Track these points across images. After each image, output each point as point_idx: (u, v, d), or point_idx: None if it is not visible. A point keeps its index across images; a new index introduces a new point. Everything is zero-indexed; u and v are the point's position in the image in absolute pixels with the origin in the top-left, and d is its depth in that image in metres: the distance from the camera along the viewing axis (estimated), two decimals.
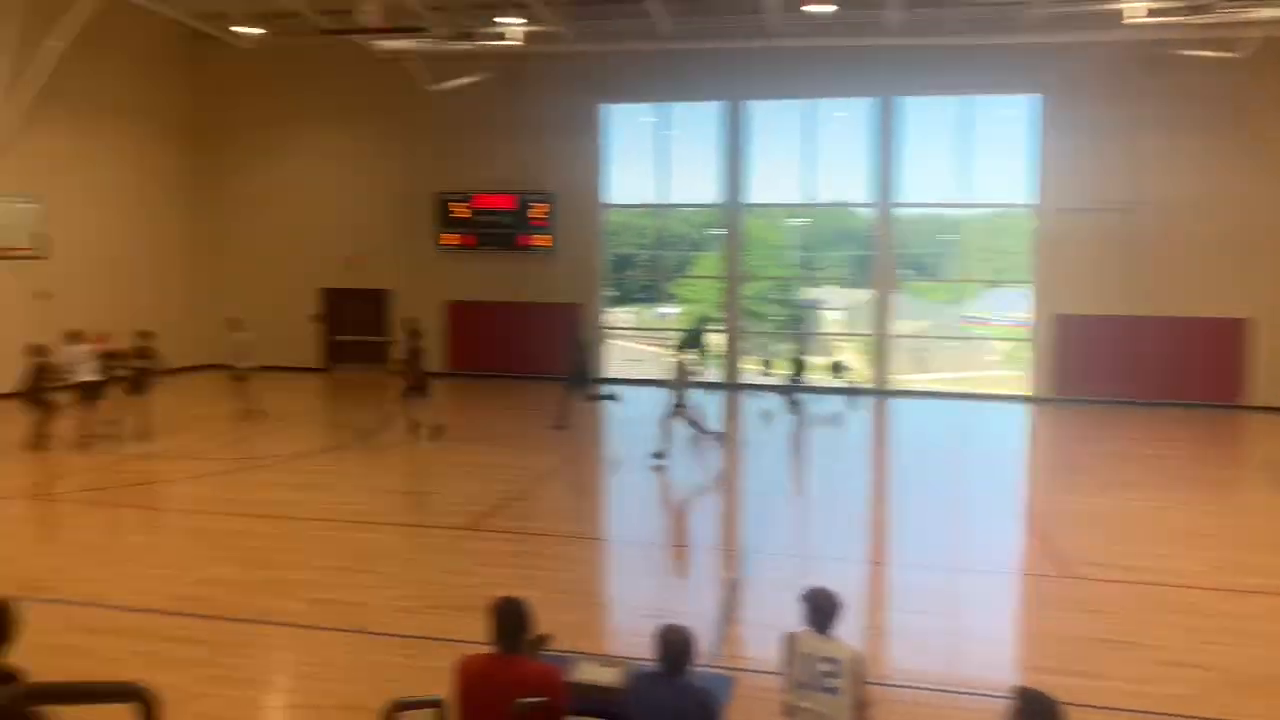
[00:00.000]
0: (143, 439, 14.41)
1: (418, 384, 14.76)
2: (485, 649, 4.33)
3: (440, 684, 4.34)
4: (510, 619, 4.29)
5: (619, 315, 23.99)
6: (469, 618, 7.17)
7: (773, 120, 21.62)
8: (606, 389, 17.61)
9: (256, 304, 23.12)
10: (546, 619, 4.69)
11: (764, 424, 17.30)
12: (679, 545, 10.15)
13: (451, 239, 22.74)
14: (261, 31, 20.39)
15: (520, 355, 22.28)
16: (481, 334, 22.65)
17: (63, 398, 14.12)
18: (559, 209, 22.17)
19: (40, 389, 13.83)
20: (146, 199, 22.22)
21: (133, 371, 14.77)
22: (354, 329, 23.39)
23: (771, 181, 21.72)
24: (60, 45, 14.70)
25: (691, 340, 21.12)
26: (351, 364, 23.29)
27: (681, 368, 13.86)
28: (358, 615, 7.41)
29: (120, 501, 11.33)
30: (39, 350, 13.97)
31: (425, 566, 8.75)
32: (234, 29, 20.15)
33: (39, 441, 13.77)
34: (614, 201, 22.65)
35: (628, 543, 10.28)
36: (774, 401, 18.54)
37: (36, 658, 4.54)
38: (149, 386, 14.87)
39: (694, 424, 14.06)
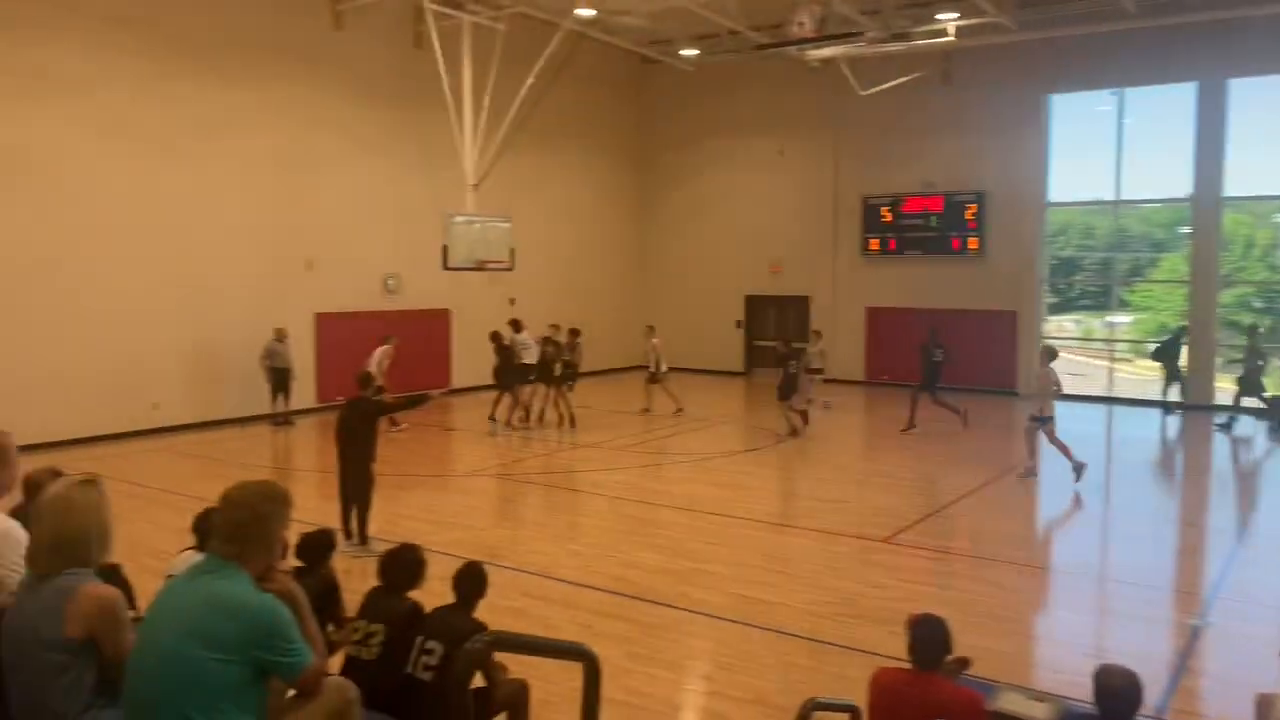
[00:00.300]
0: (573, 428, 15.96)
1: (785, 388, 15.83)
2: (900, 664, 4.11)
3: (847, 690, 4.21)
4: (930, 637, 4.04)
5: (1060, 324, 22.08)
6: (881, 630, 6.96)
7: (1262, 100, 18.53)
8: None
9: (686, 309, 24.63)
10: (965, 642, 4.36)
11: (1240, 452, 14.92)
12: (1122, 580, 9.02)
13: (875, 243, 22.44)
14: (696, 52, 21.71)
15: (945, 365, 21.37)
16: (903, 341, 22.04)
17: (520, 387, 16.38)
18: (990, 209, 20.97)
19: (506, 373, 16.35)
20: (595, 213, 24.57)
21: (563, 366, 16.41)
22: (774, 334, 23.93)
23: (1259, 171, 18.66)
24: (531, 80, 16.71)
25: (1166, 352, 18.77)
26: (770, 369, 23.87)
27: (1046, 380, 12.33)
28: (771, 614, 7.48)
29: (559, 484, 12.61)
30: (495, 336, 16.52)
31: (839, 574, 8.63)
32: (680, 52, 21.66)
33: (511, 425, 16.16)
34: (1056, 200, 20.91)
35: (1062, 571, 9.33)
36: (1255, 426, 15.93)
37: (492, 615, 5.13)
38: (573, 381, 16.46)
39: (1059, 445, 12.41)
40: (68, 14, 14.32)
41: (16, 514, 3.98)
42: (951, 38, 18.15)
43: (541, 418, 16.66)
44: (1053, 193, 20.82)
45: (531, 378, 16.70)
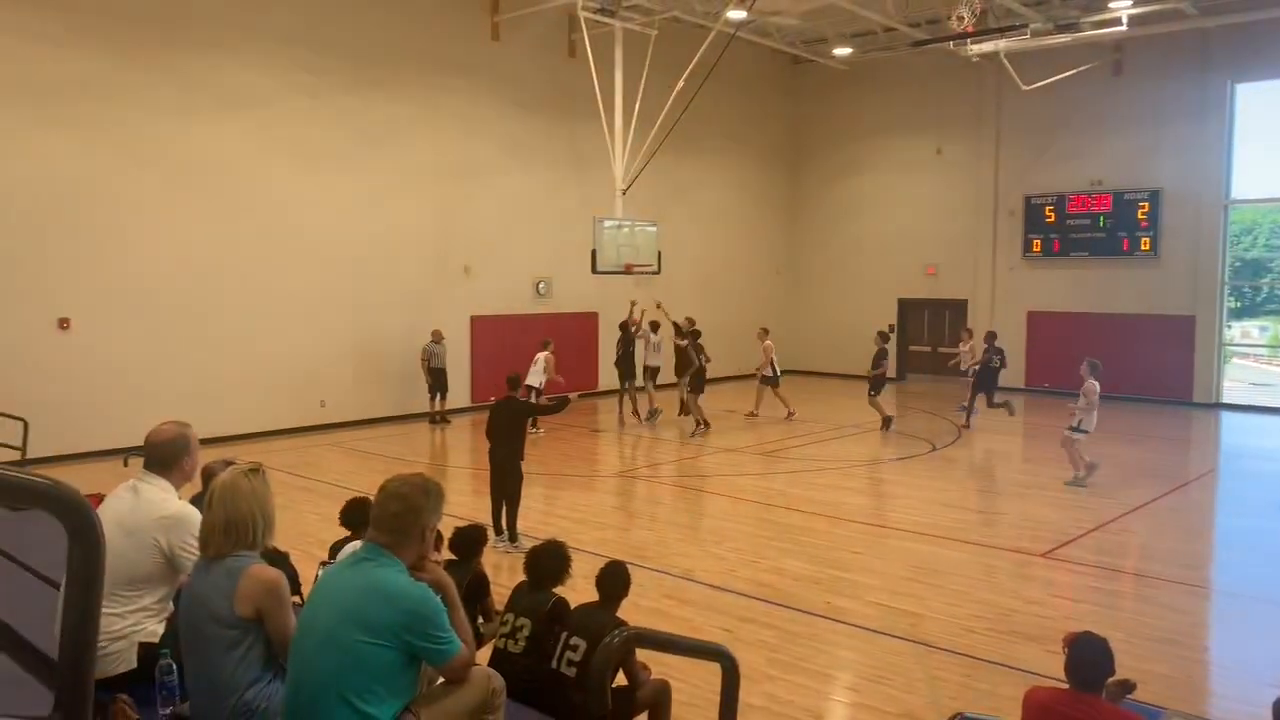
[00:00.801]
0: (705, 431, 16.11)
1: (874, 386, 16.65)
2: (1057, 684, 3.93)
3: (999, 709, 4.05)
4: (1090, 656, 3.83)
5: (1244, 329, 20.59)
6: (1035, 647, 6.66)
7: None
8: (1003, 398, 16.61)
9: (836, 312, 24.22)
10: (1128, 665, 4.12)
11: None
12: None
13: (1038, 245, 21.49)
14: (850, 50, 21.33)
15: (1110, 372, 20.21)
16: (1066, 347, 20.99)
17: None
18: (1165, 208, 19.76)
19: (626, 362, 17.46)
20: (742, 216, 24.45)
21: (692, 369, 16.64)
22: (929, 339, 23.25)
23: None
24: (680, 85, 16.81)
25: None
26: (924, 374, 23.17)
27: (1093, 393, 12.09)
28: (920, 626, 7.27)
29: (702, 487, 12.58)
30: (624, 325, 17.51)
31: (992, 588, 8.29)
32: (833, 51, 21.35)
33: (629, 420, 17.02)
34: (1240, 197, 19.50)
35: (1239, 595, 8.64)
36: None
37: (634, 615, 5.19)
38: (701, 384, 16.63)
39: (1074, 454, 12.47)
40: (247, 35, 15.34)
41: (195, 501, 4.28)
42: (1124, 27, 17.20)
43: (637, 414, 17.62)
44: (1236, 189, 19.42)
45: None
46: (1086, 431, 12.31)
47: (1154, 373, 19.68)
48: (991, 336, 17.00)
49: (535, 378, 16.17)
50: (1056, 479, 12.85)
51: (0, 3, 12.91)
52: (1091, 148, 20.64)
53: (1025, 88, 19.35)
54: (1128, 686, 4.04)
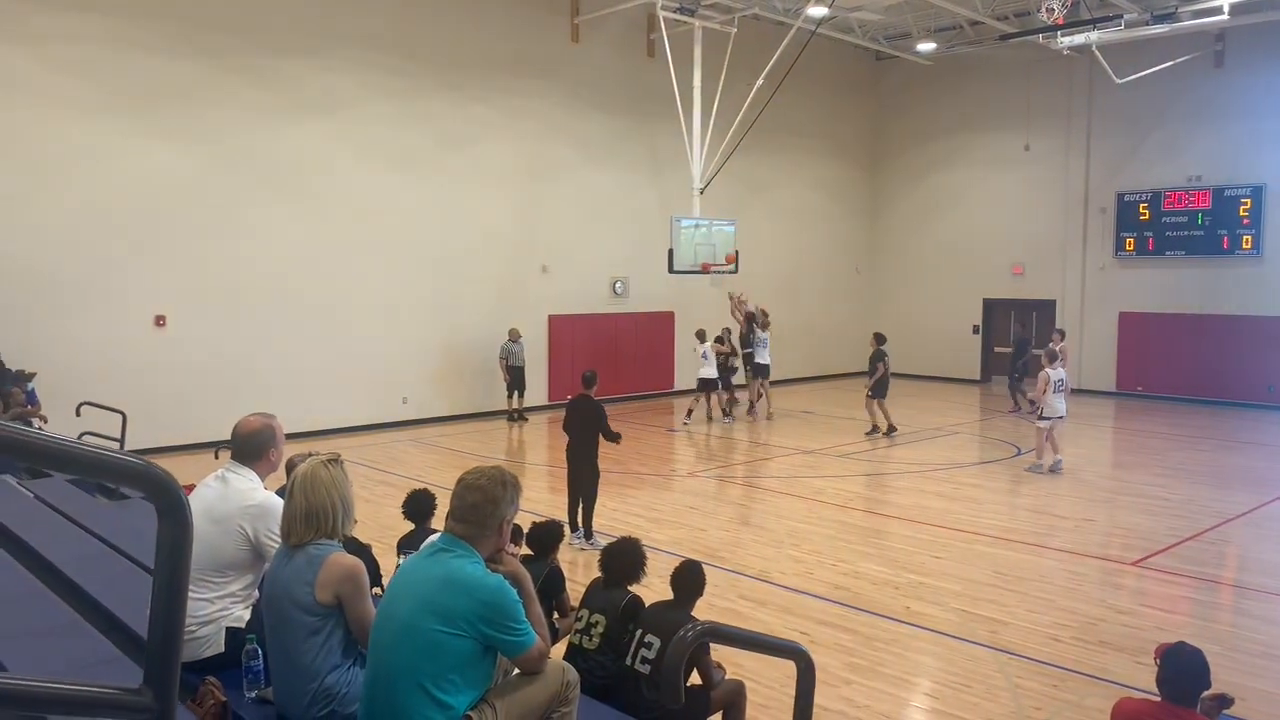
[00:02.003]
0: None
1: (876, 389, 15.91)
2: (1148, 696, 3.78)
3: (1084, 719, 3.90)
4: (1186, 668, 3.69)
5: None
6: (1124, 658, 6.43)
7: None
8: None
9: (918, 313, 23.78)
10: (1225, 680, 3.94)
11: None
12: None
13: (1131, 243, 20.76)
14: (934, 46, 20.93)
15: (1208, 375, 19.51)
16: (1160, 350, 20.29)
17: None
18: (1270, 204, 18.91)
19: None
20: (822, 214, 24.15)
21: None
22: (1009, 340, 22.65)
23: None
24: (760, 83, 16.70)
25: None
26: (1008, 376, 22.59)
27: (1044, 381, 12.84)
28: (1002, 634, 7.08)
29: (779, 489, 12.43)
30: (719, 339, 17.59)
31: (1079, 596, 8.03)
32: (916, 47, 20.97)
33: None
34: None
35: None
36: None
37: (709, 615, 5.14)
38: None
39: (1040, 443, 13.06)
40: (334, 41, 15.72)
41: (281, 492, 4.39)
42: (1226, 16, 16.50)
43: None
44: None
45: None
46: (1049, 419, 12.82)
47: (1257, 376, 18.89)
48: (1023, 327, 17.88)
49: (708, 369, 16.58)
50: (1148, 485, 12.42)
51: (98, 14, 13.46)
52: (1189, 142, 19.87)
53: (1119, 81, 18.71)
54: (1225, 701, 3.87)
